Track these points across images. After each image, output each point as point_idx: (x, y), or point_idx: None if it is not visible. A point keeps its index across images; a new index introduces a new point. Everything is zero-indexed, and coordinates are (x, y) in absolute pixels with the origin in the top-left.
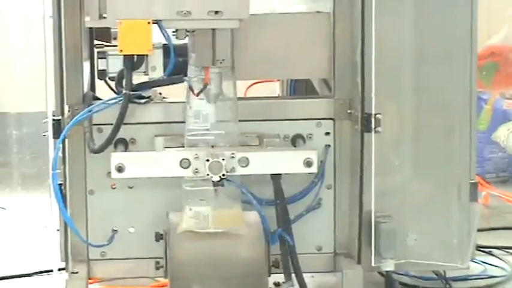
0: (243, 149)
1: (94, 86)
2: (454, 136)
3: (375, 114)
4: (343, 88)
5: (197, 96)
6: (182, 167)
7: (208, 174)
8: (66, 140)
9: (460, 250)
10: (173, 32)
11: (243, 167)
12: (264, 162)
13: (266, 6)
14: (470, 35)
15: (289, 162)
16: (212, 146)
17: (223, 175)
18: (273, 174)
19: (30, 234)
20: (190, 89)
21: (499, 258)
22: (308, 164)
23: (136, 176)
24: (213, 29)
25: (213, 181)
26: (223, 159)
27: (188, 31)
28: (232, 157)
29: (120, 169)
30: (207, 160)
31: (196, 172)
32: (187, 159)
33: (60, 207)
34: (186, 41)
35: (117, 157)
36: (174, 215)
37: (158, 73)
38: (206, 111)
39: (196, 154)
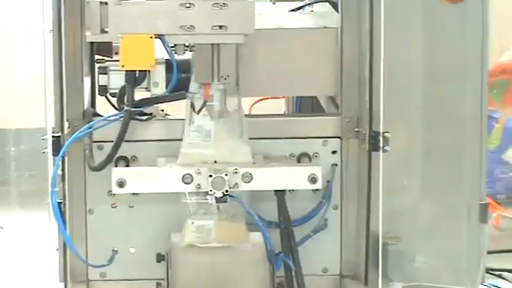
0: (247, 165)
1: (94, 102)
2: (464, 156)
3: (383, 133)
4: (350, 106)
5: (197, 113)
6: (184, 183)
7: (211, 190)
8: (66, 157)
9: (470, 273)
10: (172, 47)
11: (247, 182)
12: (268, 178)
13: (272, 21)
14: (481, 51)
15: (294, 178)
16: (215, 162)
17: (226, 191)
18: (277, 191)
19: (28, 254)
20: (192, 105)
21: (509, 281)
22: (312, 180)
23: (138, 192)
24: (218, 44)
25: (215, 197)
26: (226, 175)
27: (187, 46)
28: (236, 172)
29: (121, 184)
30: (210, 176)
31: (199, 188)
32: (189, 174)
33: (59, 227)
34: (189, 56)
35: (118, 172)
36: (176, 236)
37: (160, 89)
38: (208, 127)
39: (198, 169)
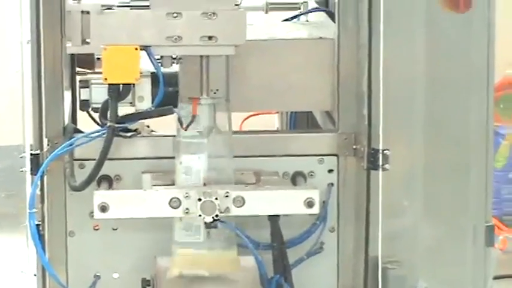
0: (238, 188)
1: (76, 118)
2: (468, 174)
3: (383, 150)
4: (348, 121)
5: (186, 130)
6: (172, 207)
7: (200, 215)
8: (45, 177)
9: None
10: (158, 59)
11: (238, 207)
12: (261, 202)
13: (264, 31)
14: (487, 63)
15: (289, 203)
16: (204, 184)
17: (217, 216)
18: (270, 215)
19: (4, 279)
20: (180, 121)
21: None
22: (309, 204)
23: (122, 217)
24: (207, 56)
25: (205, 222)
26: (216, 199)
27: (174, 58)
28: (227, 196)
29: (103, 209)
30: (199, 199)
31: (187, 212)
32: (177, 198)
33: (37, 250)
34: (176, 68)
35: (100, 195)
36: (162, 260)
37: (146, 104)
38: (198, 142)
39: (187, 193)
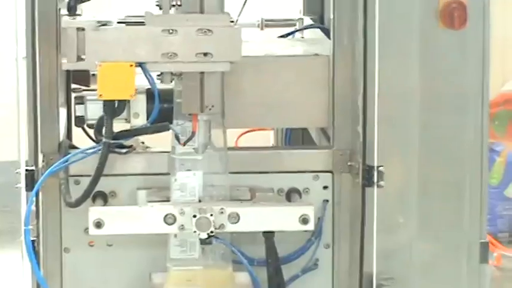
0: (233, 204)
1: (71, 134)
2: (463, 191)
3: (378, 167)
4: (342, 138)
5: (184, 145)
6: (166, 223)
7: (195, 231)
8: (40, 193)
9: None
10: (158, 75)
11: (233, 223)
12: (256, 218)
13: (260, 48)
14: (482, 80)
15: (284, 219)
16: (199, 201)
17: (212, 232)
18: (265, 232)
19: None
20: (177, 138)
21: None
22: (304, 221)
23: (117, 233)
24: (202, 73)
25: (200, 239)
26: (211, 215)
27: (174, 75)
28: (222, 213)
29: (98, 225)
30: (194, 216)
31: (182, 229)
32: (172, 214)
33: (32, 267)
34: (171, 85)
35: (95, 212)
36: (157, 277)
37: (141, 120)
38: (193, 159)
39: (182, 209)
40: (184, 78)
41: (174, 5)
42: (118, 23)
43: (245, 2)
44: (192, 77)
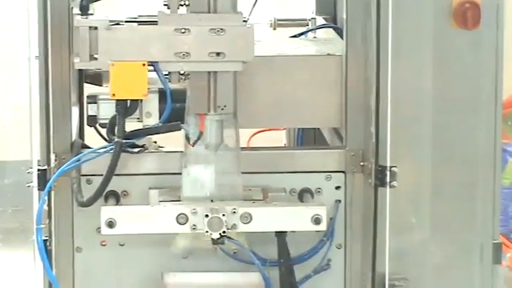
0: (246, 204)
1: (83, 133)
2: (476, 192)
3: (390, 167)
4: (355, 138)
5: (193, 146)
6: (179, 223)
7: (207, 231)
8: (52, 192)
9: None
10: (165, 75)
11: (245, 223)
12: (268, 218)
13: (272, 47)
14: (495, 81)
15: (296, 219)
16: (212, 200)
17: (224, 232)
18: (277, 232)
19: None
20: (187, 137)
21: None
22: (316, 221)
23: (129, 233)
24: (214, 72)
25: (212, 239)
26: (223, 215)
27: (182, 74)
28: (234, 212)
29: (110, 224)
30: (206, 216)
31: (194, 229)
32: (184, 214)
33: (44, 266)
34: (184, 84)
35: (107, 211)
36: (169, 276)
37: (153, 120)
38: (205, 154)
39: (194, 209)
40: (191, 78)
41: (182, 5)
42: (131, 22)
43: (255, 2)
44: (199, 77)
